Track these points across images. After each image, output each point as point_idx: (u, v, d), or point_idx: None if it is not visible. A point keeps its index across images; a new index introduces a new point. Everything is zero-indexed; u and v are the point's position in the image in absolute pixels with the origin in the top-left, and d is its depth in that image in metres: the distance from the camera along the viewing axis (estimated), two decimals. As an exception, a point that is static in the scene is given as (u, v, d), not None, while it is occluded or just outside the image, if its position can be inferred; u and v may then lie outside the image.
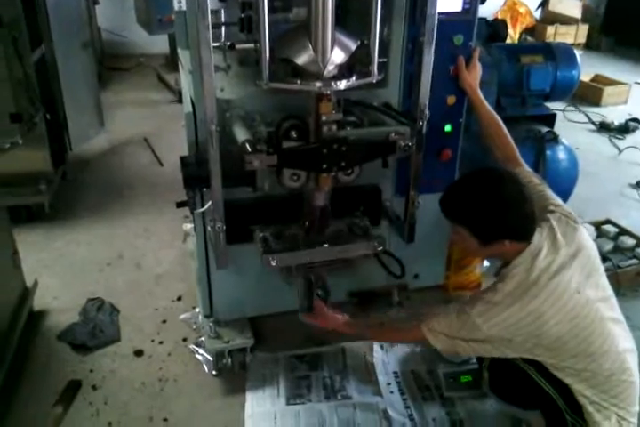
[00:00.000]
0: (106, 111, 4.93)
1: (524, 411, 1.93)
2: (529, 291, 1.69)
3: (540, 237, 1.77)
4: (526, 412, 1.93)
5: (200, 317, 2.59)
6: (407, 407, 2.25)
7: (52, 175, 3.66)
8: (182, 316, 2.79)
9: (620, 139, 4.95)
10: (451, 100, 2.22)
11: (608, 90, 5.71)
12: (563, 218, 1.84)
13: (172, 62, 6.38)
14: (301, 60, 1.76)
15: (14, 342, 2.43)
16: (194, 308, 2.81)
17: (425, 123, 1.99)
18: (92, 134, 4.61)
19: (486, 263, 2.92)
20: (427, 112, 1.97)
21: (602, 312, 1.74)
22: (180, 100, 5.25)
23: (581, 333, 1.70)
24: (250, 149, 1.78)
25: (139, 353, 2.58)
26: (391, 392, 2.32)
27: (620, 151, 4.74)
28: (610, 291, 1.83)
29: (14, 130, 3.19)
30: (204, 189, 2.01)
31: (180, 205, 2.32)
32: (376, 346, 2.54)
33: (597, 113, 5.40)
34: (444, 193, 1.85)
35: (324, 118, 1.79)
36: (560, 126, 3.31)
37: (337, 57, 1.78)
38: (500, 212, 1.72)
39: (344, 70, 1.83)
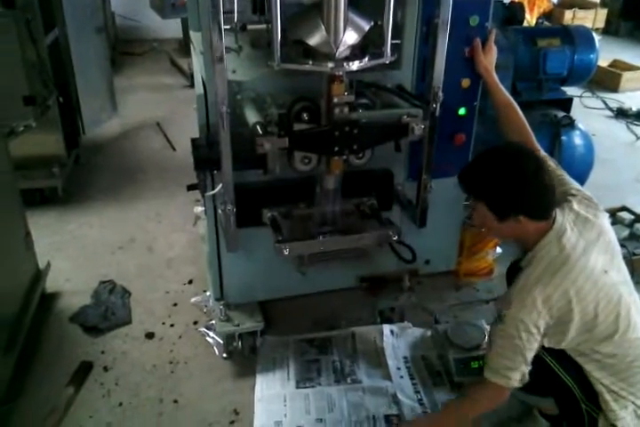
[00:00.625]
0: (119, 96, 4.93)
1: (537, 398, 1.91)
2: (560, 270, 1.67)
3: (562, 219, 1.75)
4: (539, 399, 1.91)
5: (211, 300, 2.60)
6: (417, 392, 2.25)
7: (64, 159, 3.69)
8: (193, 299, 2.80)
9: (637, 125, 4.87)
10: (465, 82, 2.19)
11: (626, 75, 5.61)
12: (584, 201, 1.83)
13: (184, 47, 6.35)
14: (313, 40, 1.74)
15: (27, 324, 2.45)
16: (205, 291, 2.82)
17: (438, 105, 1.96)
18: (105, 118, 4.62)
19: (499, 250, 2.90)
20: (440, 94, 1.94)
21: (625, 296, 1.73)
22: (192, 85, 5.24)
23: (611, 314, 1.68)
24: (261, 132, 1.77)
25: (150, 335, 2.60)
26: (401, 377, 2.32)
27: (638, 138, 4.67)
28: (628, 276, 1.81)
29: (28, 113, 3.19)
30: (215, 172, 2.00)
31: (190, 187, 2.32)
32: (386, 331, 2.53)
33: (615, 99, 5.31)
34: (464, 167, 1.83)
35: (335, 100, 1.77)
36: (577, 112, 3.26)
37: (350, 38, 1.76)
38: (518, 185, 1.69)
39: (357, 51, 1.81)
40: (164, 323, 2.67)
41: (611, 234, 1.81)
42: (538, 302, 1.65)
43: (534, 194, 1.71)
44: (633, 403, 1.73)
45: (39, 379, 2.36)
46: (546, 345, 1.73)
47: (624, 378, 1.72)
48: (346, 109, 1.79)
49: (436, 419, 2.09)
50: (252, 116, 1.86)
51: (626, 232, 3.03)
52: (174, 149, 4.42)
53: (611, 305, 1.68)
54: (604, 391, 1.72)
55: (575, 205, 1.80)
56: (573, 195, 1.85)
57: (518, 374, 1.72)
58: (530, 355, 1.71)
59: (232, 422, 2.16)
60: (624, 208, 3.26)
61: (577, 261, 1.68)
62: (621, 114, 5.02)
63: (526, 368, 1.72)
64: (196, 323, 2.66)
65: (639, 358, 1.73)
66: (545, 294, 1.66)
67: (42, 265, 2.79)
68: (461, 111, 2.23)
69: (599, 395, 1.73)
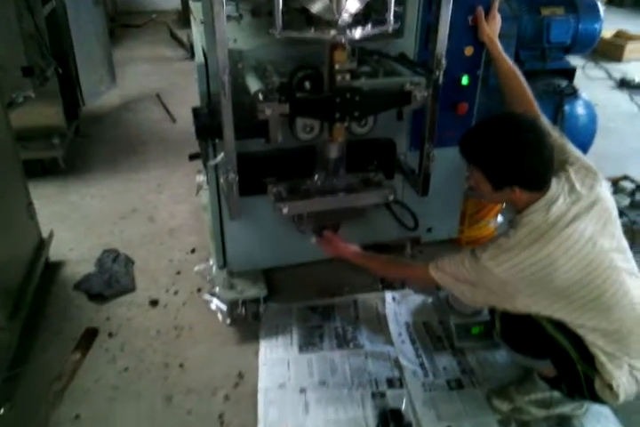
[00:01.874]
0: (118, 68, 4.90)
1: (534, 360, 1.95)
2: (542, 237, 1.69)
3: (557, 187, 1.76)
4: (537, 361, 1.94)
5: (214, 268, 2.63)
6: (418, 356, 2.29)
7: (65, 130, 3.70)
8: (196, 267, 2.83)
9: (640, 95, 4.85)
10: (468, 51, 2.18)
11: (630, 46, 5.57)
12: (582, 170, 1.83)
13: (184, 19, 6.30)
14: (315, 7, 1.73)
15: (31, 291, 2.48)
16: (208, 260, 2.84)
17: (441, 73, 1.95)
18: (104, 90, 4.61)
19: (500, 218, 2.92)
20: (443, 62, 1.93)
21: (616, 262, 1.74)
22: (191, 57, 5.20)
23: (594, 280, 1.70)
24: (262, 99, 1.76)
25: (154, 303, 2.63)
26: (402, 342, 2.36)
27: (641, 108, 4.66)
28: (625, 244, 1.83)
29: (27, 84, 3.19)
30: (217, 141, 2.01)
31: (192, 157, 2.33)
32: (388, 298, 2.57)
33: (618, 69, 5.28)
34: (465, 133, 1.83)
35: (337, 67, 1.77)
36: (580, 83, 3.24)
37: (352, 5, 1.74)
38: (516, 155, 1.70)
39: (359, 19, 1.80)
40: (167, 290, 2.71)
41: (608, 202, 1.81)
42: (510, 262, 1.70)
43: (532, 167, 1.72)
44: (628, 363, 1.76)
45: (45, 345, 2.40)
46: (524, 309, 1.77)
47: (618, 340, 1.75)
48: (348, 77, 1.79)
49: (363, 258, 2.20)
50: (253, 85, 1.86)
51: (627, 201, 3.05)
52: (174, 121, 4.41)
53: (595, 272, 1.70)
54: (599, 353, 1.76)
55: (572, 175, 1.81)
56: (572, 163, 1.85)
57: (453, 284, 1.84)
58: (462, 282, 1.81)
59: (237, 385, 2.21)
60: (626, 177, 3.27)
61: (560, 231, 1.69)
62: (624, 84, 4.99)
63: (468, 286, 1.80)
64: (199, 291, 2.69)
65: (631, 322, 1.75)
66: (520, 257, 1.69)
67: (45, 235, 2.82)
68: (464, 80, 2.23)
69: (594, 356, 1.76)
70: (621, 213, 2.84)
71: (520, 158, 1.70)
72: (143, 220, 3.26)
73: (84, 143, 4.03)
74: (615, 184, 3.19)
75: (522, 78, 2.12)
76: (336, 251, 2.23)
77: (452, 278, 1.85)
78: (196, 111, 1.98)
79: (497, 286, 1.75)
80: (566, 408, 2.03)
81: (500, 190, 1.76)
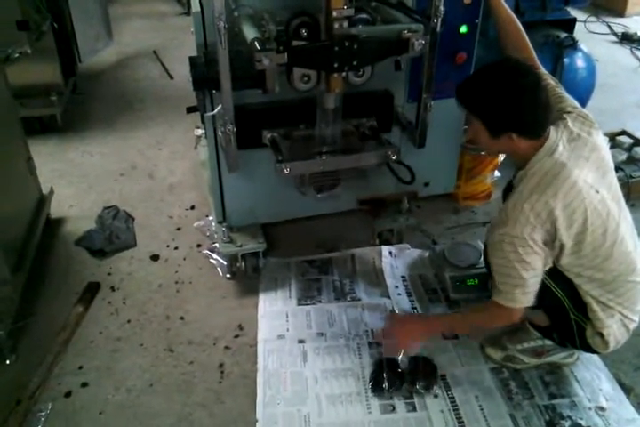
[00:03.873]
0: (114, 24, 4.84)
1: (528, 310, 1.98)
2: (552, 183, 1.68)
3: (555, 135, 1.75)
4: (530, 310, 1.96)
5: (213, 224, 2.65)
6: (414, 308, 2.33)
7: (62, 87, 3.67)
8: (196, 223, 2.85)
9: (642, 50, 4.78)
10: (467, -2, 2.15)
11: (633, -1, 5.44)
12: (579, 118, 1.82)
13: (179, -28, 6.14)
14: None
15: (34, 246, 2.51)
16: (207, 216, 2.86)
17: (440, 20, 1.92)
18: (101, 46, 4.56)
19: (497, 174, 2.92)
20: (442, 8, 1.90)
21: (614, 211, 1.75)
22: (188, 12, 5.10)
23: (597, 229, 1.70)
24: (259, 48, 1.75)
25: (155, 258, 2.66)
26: (399, 294, 2.39)
27: (642, 63, 4.59)
28: (620, 193, 1.83)
29: (22, 38, 3.15)
30: (214, 92, 2.00)
31: (190, 109, 2.32)
32: (385, 252, 2.59)
33: (621, 24, 5.18)
34: (462, 81, 1.81)
35: (334, 14, 1.74)
36: (581, 38, 3.19)
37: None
38: (514, 102, 1.68)
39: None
40: (168, 246, 2.73)
41: (604, 151, 1.81)
42: (531, 216, 1.67)
43: (530, 112, 1.70)
44: (620, 312, 1.79)
45: (49, 299, 2.43)
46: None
47: (612, 290, 1.77)
48: (345, 24, 1.77)
49: (437, 321, 2.12)
50: (249, 33, 1.84)
51: (624, 156, 3.04)
52: (172, 78, 4.36)
53: (599, 220, 1.70)
54: (592, 302, 1.78)
55: (570, 123, 1.80)
56: (569, 112, 1.84)
57: (524, 295, 1.74)
58: (533, 270, 1.71)
59: (237, 337, 2.25)
60: (624, 132, 3.25)
61: (567, 177, 1.68)
62: (626, 39, 4.90)
63: (531, 286, 1.73)
64: (199, 246, 2.72)
65: (626, 272, 1.77)
66: (537, 208, 1.67)
67: (45, 191, 2.82)
68: (463, 29, 2.20)
69: (587, 305, 1.79)
70: (618, 168, 2.86)
71: (516, 102, 1.68)
72: (143, 176, 3.26)
73: (81, 101, 3.99)
74: (613, 139, 3.17)
75: (520, 26, 2.09)
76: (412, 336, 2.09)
77: (517, 288, 1.74)
78: (192, 60, 1.96)
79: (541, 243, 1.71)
80: (557, 357, 2.07)
81: (497, 138, 1.74)
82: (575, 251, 1.73)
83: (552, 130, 1.76)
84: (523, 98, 1.68)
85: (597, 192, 1.72)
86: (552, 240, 1.70)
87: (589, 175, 1.72)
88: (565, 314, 1.84)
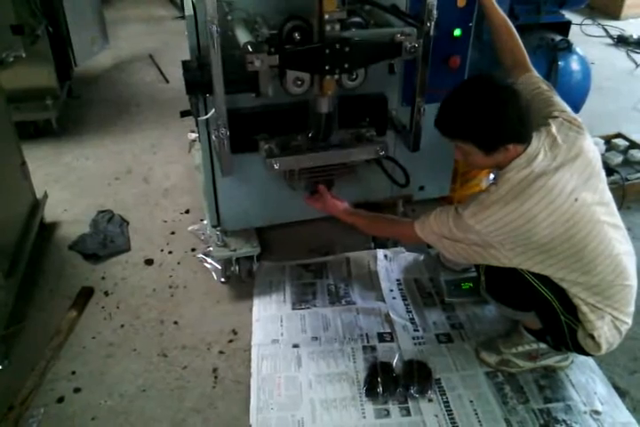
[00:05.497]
0: (109, 28, 4.81)
1: (520, 312, 1.98)
2: (523, 192, 1.69)
3: (537, 142, 1.74)
4: (522, 313, 1.97)
5: (208, 228, 2.64)
6: (409, 312, 2.32)
7: (57, 91, 3.65)
8: (190, 227, 2.84)
9: (638, 53, 4.78)
10: (461, 1, 2.13)
11: (629, 1, 5.43)
12: (565, 123, 1.81)
13: (175, -24, 6.15)
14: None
15: (27, 251, 2.50)
16: (201, 220, 2.85)
17: (433, 24, 1.91)
18: (97, 50, 4.54)
19: (492, 177, 2.91)
20: (435, 12, 1.89)
21: (598, 215, 1.74)
22: (184, 17, 5.10)
23: (576, 234, 1.70)
24: (251, 50, 1.74)
25: (149, 262, 2.65)
26: (393, 298, 2.39)
27: (638, 66, 4.59)
28: (609, 197, 1.82)
29: (17, 42, 3.14)
30: (208, 96, 1.99)
31: (184, 113, 2.31)
32: (380, 255, 2.59)
33: (616, 27, 5.20)
34: (438, 113, 1.79)
35: (327, 17, 1.73)
36: (576, 40, 3.19)
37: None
38: (500, 114, 1.67)
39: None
40: (162, 250, 2.72)
41: (591, 155, 1.79)
42: (491, 218, 1.70)
43: (519, 120, 1.69)
44: (610, 314, 1.78)
45: (42, 304, 2.43)
46: (508, 264, 1.78)
47: (599, 292, 1.77)
48: (337, 27, 1.76)
49: (351, 215, 2.20)
50: (242, 37, 1.83)
51: (620, 158, 3.03)
52: (167, 81, 4.36)
53: (577, 226, 1.70)
54: (581, 304, 1.78)
55: (554, 129, 1.79)
56: (555, 117, 1.83)
57: (438, 240, 1.85)
58: (453, 238, 1.80)
59: (231, 341, 2.24)
60: (619, 135, 3.25)
61: (541, 187, 1.68)
62: (622, 41, 4.91)
63: (451, 242, 1.81)
64: (193, 250, 2.71)
65: (612, 275, 1.77)
66: (499, 214, 1.69)
67: (39, 196, 2.81)
68: (457, 32, 2.19)
69: (577, 307, 1.79)
70: (614, 171, 2.86)
71: (504, 115, 1.67)
72: (138, 180, 3.25)
73: (76, 105, 3.99)
74: (608, 142, 3.18)
75: (514, 30, 2.09)
76: (325, 207, 2.22)
77: (436, 236, 1.85)
78: (185, 64, 1.95)
79: (479, 242, 1.75)
80: (552, 360, 2.07)
81: (492, 154, 1.74)
82: (552, 255, 1.72)
83: (535, 136, 1.75)
84: (508, 109, 1.68)
85: (576, 200, 1.70)
86: (512, 243, 1.72)
87: (570, 182, 1.71)
88: (556, 316, 1.84)
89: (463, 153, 1.82)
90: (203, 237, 2.76)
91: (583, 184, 1.73)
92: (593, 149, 1.82)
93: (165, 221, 2.92)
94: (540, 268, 1.76)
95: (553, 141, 1.76)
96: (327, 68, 1.80)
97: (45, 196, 2.84)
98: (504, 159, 1.77)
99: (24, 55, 3.16)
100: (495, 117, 1.69)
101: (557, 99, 1.92)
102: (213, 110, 1.92)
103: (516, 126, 1.70)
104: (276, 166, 2.01)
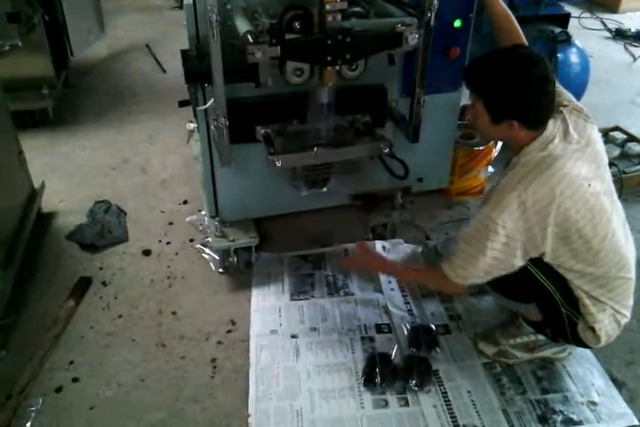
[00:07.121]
0: (106, 17, 4.79)
1: (521, 304, 1.98)
2: (542, 174, 1.67)
3: (553, 127, 1.75)
4: (523, 305, 1.97)
5: (206, 219, 2.63)
6: (406, 303, 2.33)
7: (54, 80, 3.64)
8: (188, 218, 2.84)
9: (636, 46, 4.78)
10: (462, -8, 2.13)
11: (628, -7, 5.44)
12: (575, 112, 1.82)
13: (173, -35, 6.10)
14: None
15: (24, 241, 2.49)
16: (200, 211, 2.85)
17: (433, 14, 1.90)
18: (93, 40, 4.51)
19: (490, 169, 2.92)
20: (435, 2, 1.88)
21: (606, 205, 1.75)
22: (181, 6, 5.07)
23: (588, 222, 1.70)
24: (251, 40, 1.73)
25: (147, 252, 2.65)
26: (391, 289, 2.39)
27: (635, 59, 4.60)
28: (613, 187, 1.83)
29: (13, 31, 3.12)
30: (207, 86, 1.98)
31: (182, 103, 2.30)
32: (379, 247, 2.59)
33: (614, 20, 5.19)
34: (472, 61, 1.80)
35: (328, 7, 1.73)
36: (575, 33, 3.20)
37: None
38: (521, 89, 1.67)
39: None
40: (160, 241, 2.72)
41: (598, 144, 1.81)
42: (513, 204, 1.67)
43: (535, 102, 1.70)
44: (611, 307, 1.79)
45: (39, 294, 2.42)
46: (529, 255, 1.76)
47: (603, 285, 1.77)
48: (338, 17, 1.75)
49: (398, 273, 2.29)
50: (242, 26, 1.82)
51: (617, 151, 3.04)
52: (164, 71, 4.35)
53: (590, 213, 1.70)
54: (583, 296, 1.78)
55: (567, 116, 1.80)
56: (565, 105, 1.84)
57: (474, 277, 1.81)
58: (492, 257, 1.72)
59: (229, 332, 2.24)
60: (617, 128, 3.26)
61: (560, 168, 1.68)
62: (620, 35, 4.91)
63: (485, 266, 1.75)
64: (192, 241, 2.71)
65: (616, 268, 1.77)
66: (522, 197, 1.66)
67: (36, 185, 2.80)
68: (457, 23, 2.18)
69: (579, 300, 1.79)
70: (612, 164, 2.85)
71: (524, 91, 1.67)
72: (135, 171, 3.24)
73: (73, 94, 3.97)
74: (606, 135, 3.18)
75: (514, 21, 2.09)
76: (371, 267, 2.33)
77: (473, 269, 1.78)
78: (184, 54, 1.94)
79: (504, 240, 1.71)
80: (550, 352, 2.07)
81: (497, 124, 1.74)
82: (564, 237, 1.71)
83: (551, 122, 1.76)
84: (531, 87, 1.67)
85: (590, 185, 1.71)
86: (538, 229, 1.69)
87: (583, 168, 1.72)
88: (557, 308, 1.84)
89: (474, 114, 1.81)
90: (201, 228, 2.75)
91: (594, 172, 1.74)
92: (599, 139, 1.83)
93: (163, 212, 2.91)
94: (551, 257, 1.75)
95: (566, 129, 1.77)
96: (329, 58, 1.80)
97: (43, 185, 2.83)
98: (508, 137, 1.78)
99: (20, 44, 3.14)
100: (516, 89, 1.68)
101: (563, 89, 1.93)
102: (212, 100, 1.91)
103: (530, 108, 1.70)
104: (278, 164, 2.00)
